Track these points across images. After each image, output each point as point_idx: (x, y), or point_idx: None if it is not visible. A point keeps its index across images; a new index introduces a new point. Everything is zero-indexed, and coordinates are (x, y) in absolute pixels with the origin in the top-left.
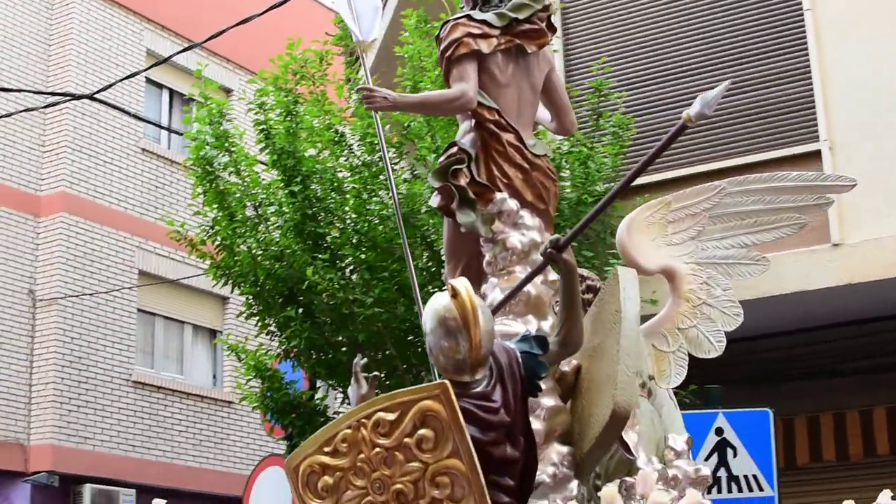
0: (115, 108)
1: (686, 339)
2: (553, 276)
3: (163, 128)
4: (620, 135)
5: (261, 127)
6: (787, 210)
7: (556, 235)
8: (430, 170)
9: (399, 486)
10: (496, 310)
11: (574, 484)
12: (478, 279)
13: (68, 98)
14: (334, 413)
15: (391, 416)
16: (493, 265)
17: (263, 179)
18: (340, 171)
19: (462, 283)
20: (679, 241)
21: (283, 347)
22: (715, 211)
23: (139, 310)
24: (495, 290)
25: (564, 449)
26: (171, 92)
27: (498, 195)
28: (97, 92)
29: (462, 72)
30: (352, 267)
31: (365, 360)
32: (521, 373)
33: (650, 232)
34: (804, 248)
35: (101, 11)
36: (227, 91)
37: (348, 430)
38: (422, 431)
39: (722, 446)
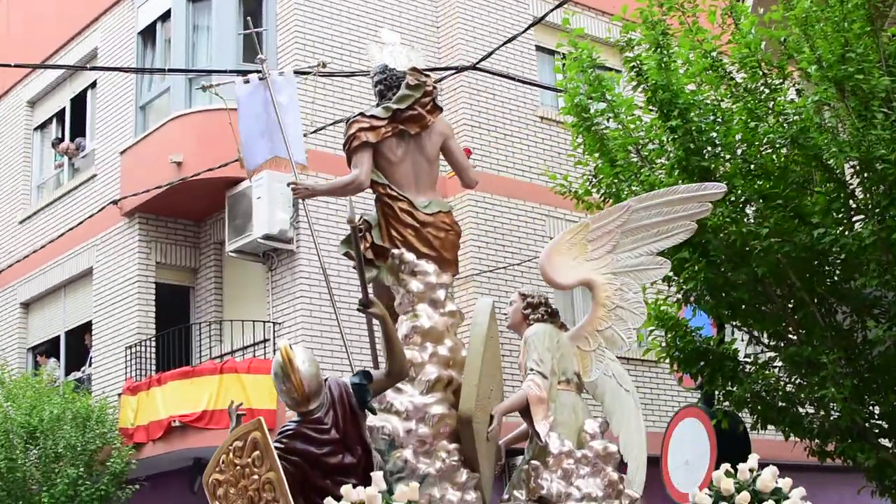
0: (501, 76)
1: (603, 338)
2: (451, 306)
3: (553, 89)
4: None
5: (631, 65)
6: (680, 219)
7: (360, 296)
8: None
9: (250, 493)
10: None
11: (463, 472)
12: (396, 318)
13: (454, 70)
14: (744, 357)
15: (240, 444)
16: (402, 306)
17: (644, 121)
18: (722, 101)
19: (282, 344)
20: (598, 255)
21: (681, 292)
22: (626, 226)
23: None
24: (403, 325)
25: (451, 446)
26: (564, 57)
27: (395, 251)
28: (480, 61)
29: (357, 160)
30: (743, 199)
31: (240, 403)
32: (349, 399)
33: (573, 251)
34: None
35: None
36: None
37: (224, 455)
38: (254, 453)
39: None
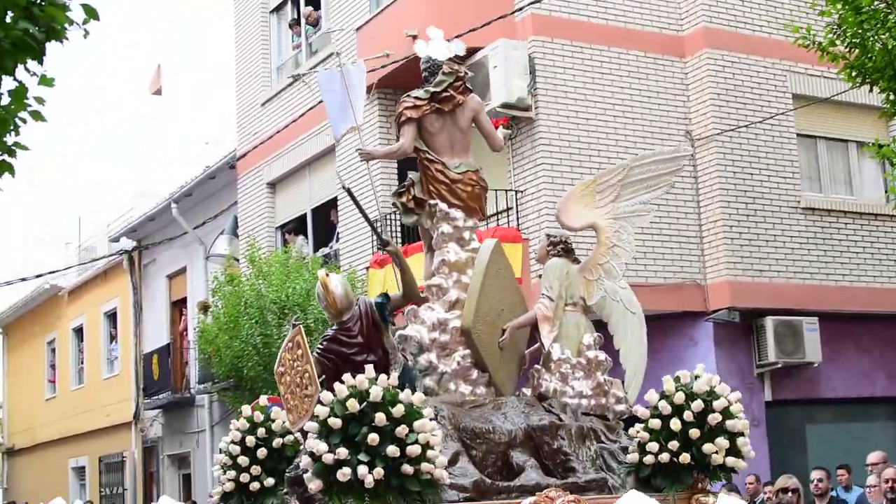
0: None
1: (603, 270)
2: (474, 244)
3: None
4: None
5: None
6: (664, 175)
7: (382, 239)
8: None
9: (297, 378)
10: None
11: (475, 371)
12: (433, 252)
13: None
14: None
15: (290, 345)
16: (437, 244)
17: None
18: None
19: (321, 273)
20: (603, 204)
21: None
22: (625, 181)
23: (798, 134)
24: (437, 258)
25: (465, 351)
26: None
27: (431, 202)
28: None
29: (403, 132)
30: None
31: (297, 316)
32: (373, 314)
33: (584, 200)
34: None
35: None
36: None
37: (283, 353)
38: (298, 351)
39: None
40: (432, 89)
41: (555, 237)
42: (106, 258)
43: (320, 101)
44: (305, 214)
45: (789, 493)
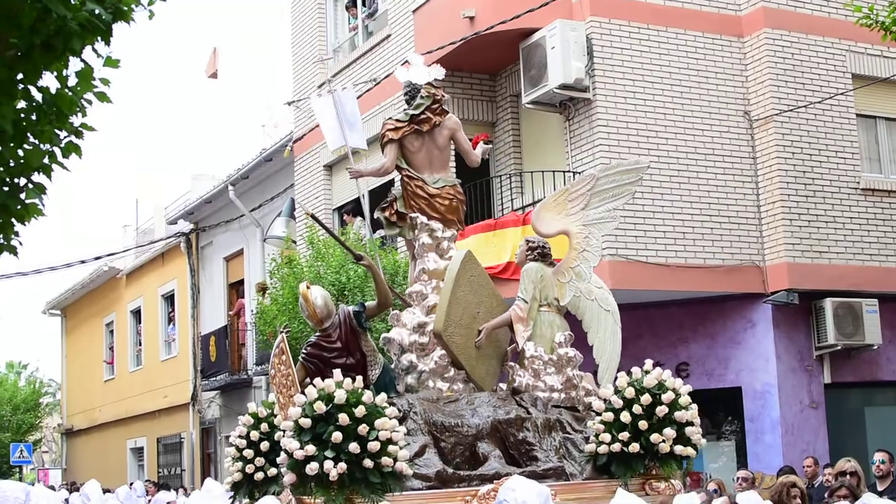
0: None
1: (574, 273)
2: (452, 253)
3: None
4: None
5: None
6: (626, 185)
7: (355, 254)
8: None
9: (284, 380)
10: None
11: (451, 369)
12: (415, 261)
13: None
14: None
15: (277, 350)
16: (418, 253)
17: None
18: None
19: (301, 286)
20: (574, 212)
21: None
22: (594, 190)
23: (858, 114)
24: (418, 266)
25: (442, 352)
26: None
27: (412, 215)
28: None
29: (386, 152)
30: None
31: (286, 323)
32: (350, 321)
33: (557, 208)
34: None
35: None
36: None
37: (273, 358)
38: (283, 356)
39: None
40: (411, 112)
41: (533, 242)
42: (163, 241)
43: (377, 83)
44: (362, 196)
45: (848, 476)
